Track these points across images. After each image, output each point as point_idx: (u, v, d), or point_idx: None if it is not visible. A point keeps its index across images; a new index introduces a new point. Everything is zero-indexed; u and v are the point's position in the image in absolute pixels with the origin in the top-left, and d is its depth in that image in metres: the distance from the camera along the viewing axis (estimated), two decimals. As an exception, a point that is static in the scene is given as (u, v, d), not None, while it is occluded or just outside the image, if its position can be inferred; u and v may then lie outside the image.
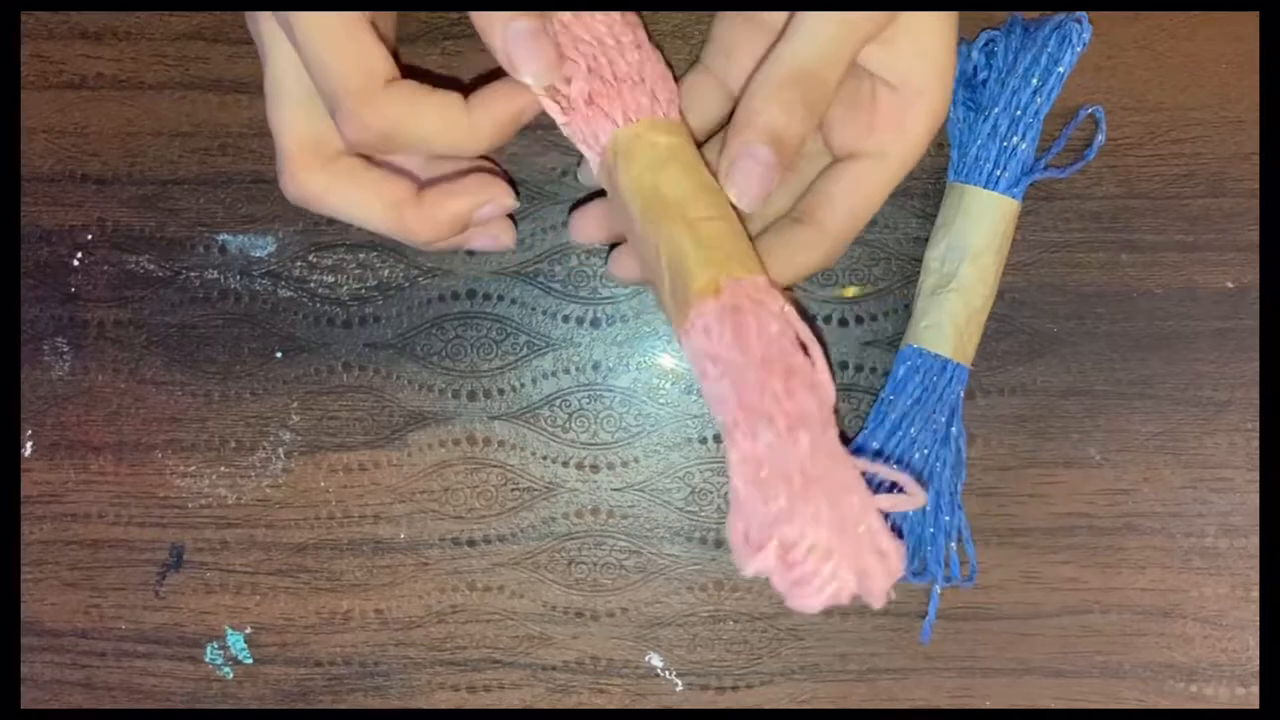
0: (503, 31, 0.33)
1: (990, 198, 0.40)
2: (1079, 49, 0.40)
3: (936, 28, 0.35)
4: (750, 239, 0.34)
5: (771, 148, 0.33)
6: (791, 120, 0.33)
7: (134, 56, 0.43)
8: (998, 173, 0.40)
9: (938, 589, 0.42)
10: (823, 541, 0.29)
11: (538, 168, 0.43)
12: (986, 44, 0.41)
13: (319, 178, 0.35)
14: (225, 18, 0.43)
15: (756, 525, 0.29)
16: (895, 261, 0.43)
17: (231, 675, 0.43)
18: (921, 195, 0.43)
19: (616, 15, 0.35)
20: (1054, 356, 0.43)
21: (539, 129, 0.43)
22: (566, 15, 0.34)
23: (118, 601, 0.43)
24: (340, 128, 0.33)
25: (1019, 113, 0.40)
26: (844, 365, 0.43)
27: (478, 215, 0.36)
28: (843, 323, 0.43)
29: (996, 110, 0.40)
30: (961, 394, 0.41)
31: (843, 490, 0.30)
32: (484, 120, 0.34)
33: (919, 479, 0.41)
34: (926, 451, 0.41)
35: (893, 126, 0.35)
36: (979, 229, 0.40)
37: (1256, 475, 0.42)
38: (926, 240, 0.42)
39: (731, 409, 0.30)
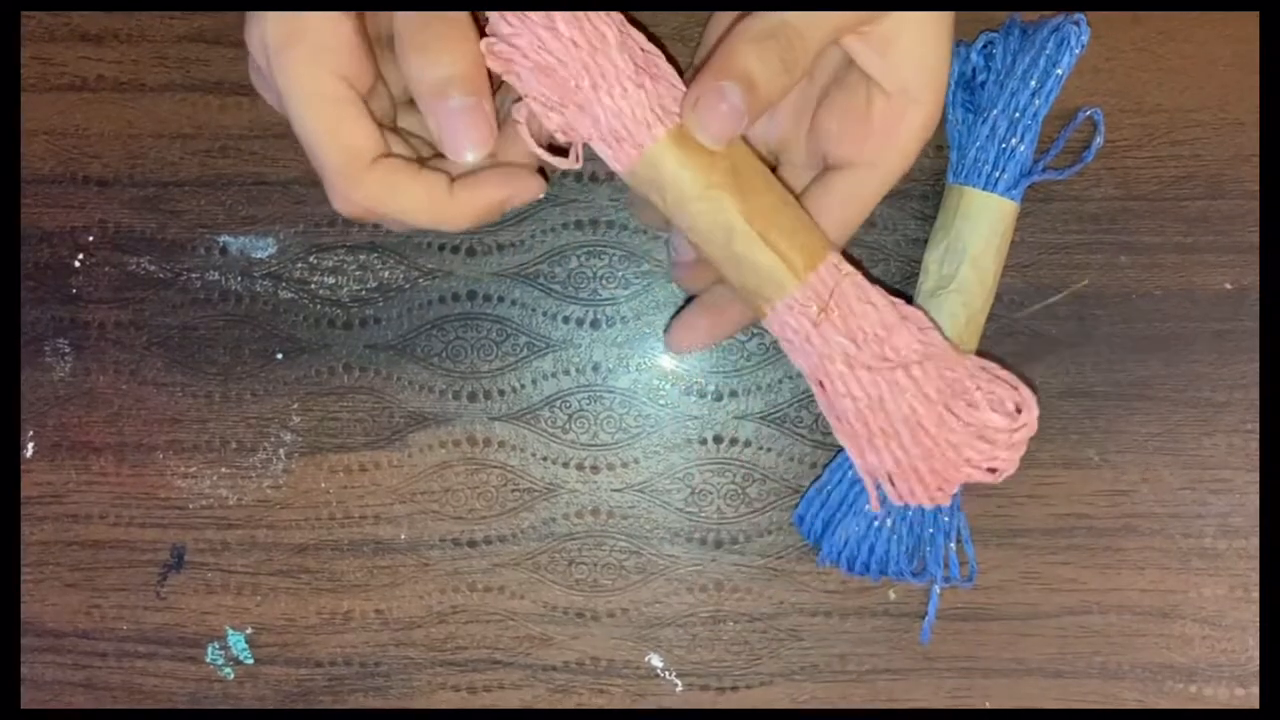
0: (437, 106, 0.33)
1: (989, 199, 0.40)
2: (1077, 51, 0.40)
3: (934, 33, 0.35)
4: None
5: (743, 92, 0.33)
6: (766, 69, 0.33)
7: (135, 59, 0.44)
8: (996, 174, 0.40)
9: (937, 589, 0.42)
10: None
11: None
12: (985, 46, 0.41)
13: (367, 189, 0.33)
14: (226, 20, 0.43)
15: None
16: (895, 262, 0.43)
17: (232, 675, 0.43)
18: (920, 197, 0.43)
19: (587, 24, 0.34)
20: (1053, 358, 0.43)
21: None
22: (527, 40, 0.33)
23: (119, 602, 0.44)
24: (329, 197, 0.34)
25: (1017, 115, 0.40)
26: (843, 366, 0.43)
27: (509, 207, 0.36)
28: (842, 324, 0.43)
29: (995, 112, 0.40)
30: None
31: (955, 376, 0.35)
32: (466, 203, 0.34)
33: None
34: None
35: (887, 135, 0.35)
36: (978, 231, 0.40)
37: (1255, 476, 0.42)
38: (926, 242, 0.42)
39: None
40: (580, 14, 0.33)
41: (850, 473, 0.41)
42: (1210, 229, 0.43)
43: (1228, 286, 0.43)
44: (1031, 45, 0.40)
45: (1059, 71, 0.40)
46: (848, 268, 0.35)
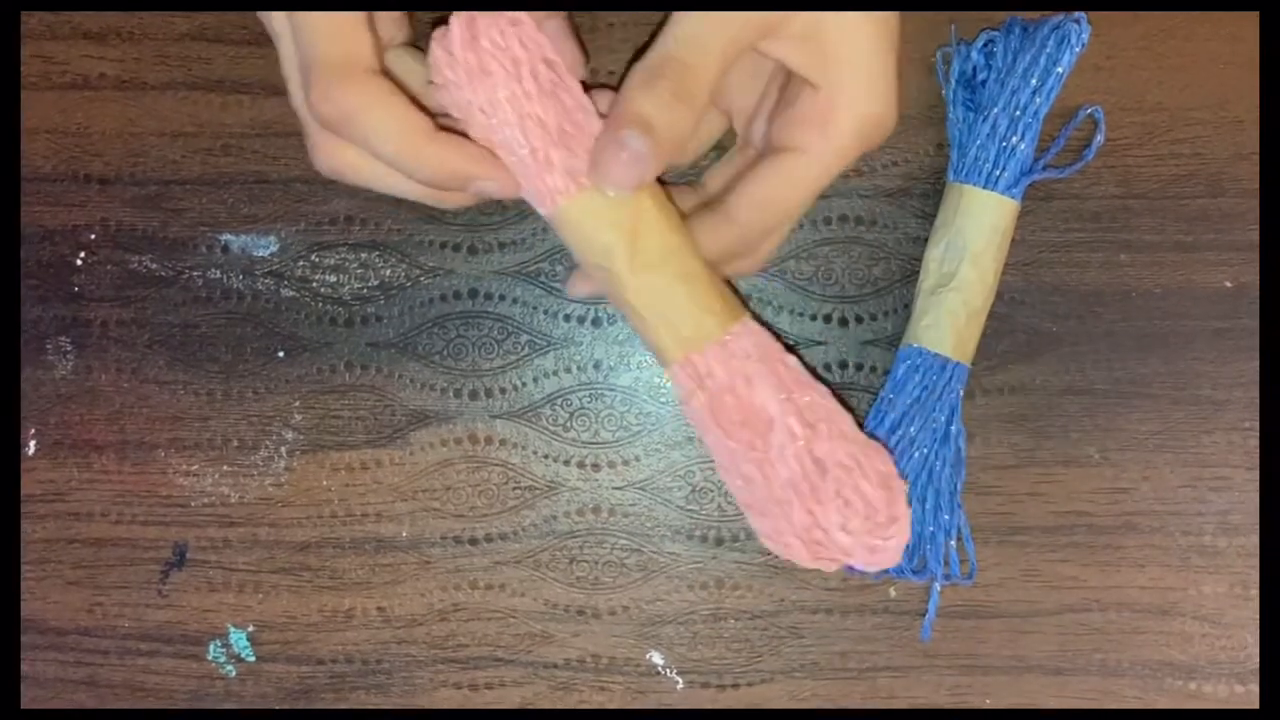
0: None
1: (990, 198, 0.40)
2: (1078, 49, 0.40)
3: (865, 31, 0.34)
4: (729, 287, 0.36)
5: (641, 136, 0.33)
6: (659, 109, 0.33)
7: (137, 57, 0.44)
8: (997, 173, 0.40)
9: (937, 587, 0.42)
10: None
11: (539, 168, 0.43)
12: (986, 44, 0.41)
13: (353, 94, 0.32)
14: (228, 18, 0.43)
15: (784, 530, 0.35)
16: (895, 261, 0.43)
17: (234, 673, 0.44)
18: (921, 195, 0.43)
19: (539, 51, 0.35)
20: (1053, 356, 0.43)
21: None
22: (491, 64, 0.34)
23: (121, 600, 0.44)
24: (306, 96, 0.33)
25: (1018, 113, 0.40)
26: (844, 364, 0.43)
27: (475, 187, 0.35)
28: (843, 322, 0.43)
29: (996, 110, 0.40)
30: (961, 393, 0.41)
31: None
32: (435, 156, 0.33)
33: (919, 478, 0.41)
34: (926, 450, 0.41)
35: (814, 125, 0.35)
36: (978, 229, 0.40)
37: (1255, 474, 0.42)
38: (926, 240, 0.42)
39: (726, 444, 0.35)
40: (505, 73, 0.34)
41: None
42: (1210, 227, 0.43)
43: (1228, 284, 0.43)
44: (1032, 44, 0.40)
45: (1059, 70, 0.40)
46: (743, 350, 0.35)
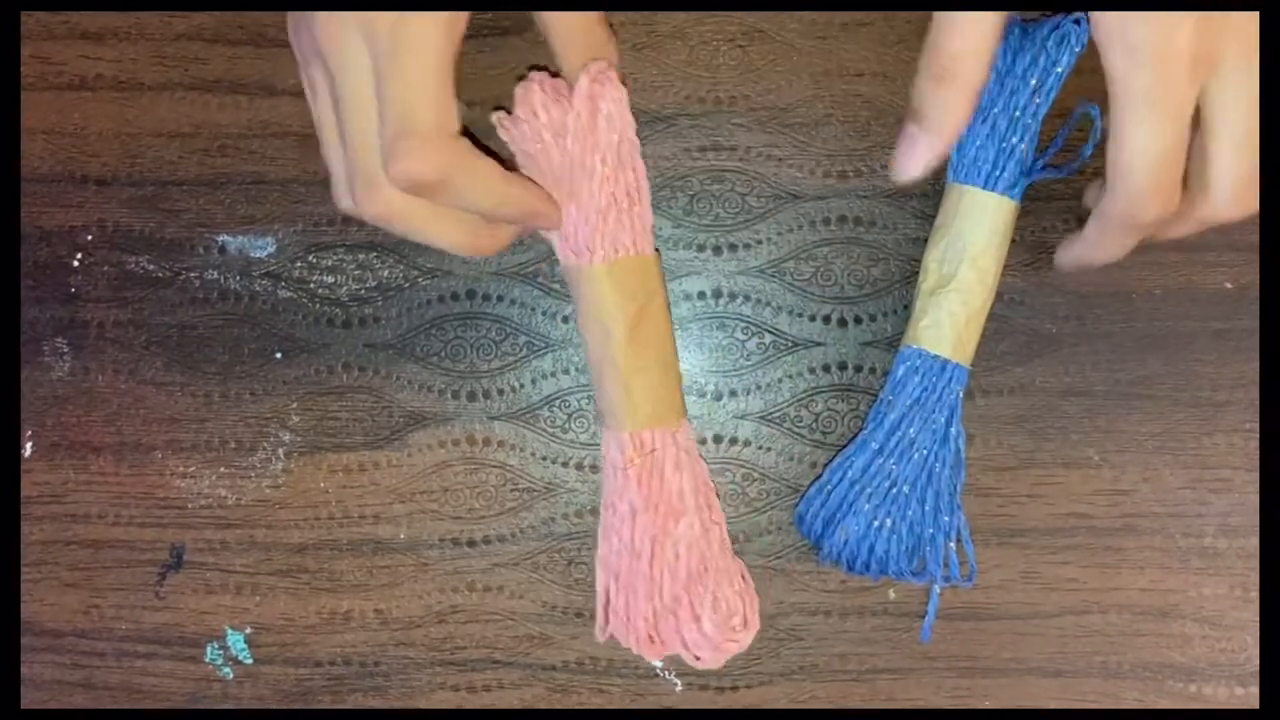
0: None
1: (989, 198, 0.40)
2: (1077, 49, 0.40)
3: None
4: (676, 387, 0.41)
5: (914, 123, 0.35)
6: (922, 99, 0.35)
7: (134, 57, 0.43)
8: (996, 173, 0.40)
9: (937, 589, 0.42)
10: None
11: (537, 168, 0.43)
12: None
13: (450, 154, 0.34)
14: (225, 19, 0.43)
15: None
16: (894, 262, 0.43)
17: (231, 675, 0.43)
18: (920, 196, 0.43)
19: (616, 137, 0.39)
20: (1053, 357, 0.43)
21: (538, 130, 0.43)
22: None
23: (118, 602, 0.44)
24: (397, 158, 0.33)
25: (1017, 114, 0.40)
26: (843, 366, 0.43)
27: (539, 222, 0.39)
28: (842, 323, 0.43)
29: (995, 111, 0.40)
30: (960, 394, 0.41)
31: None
32: (519, 195, 0.37)
33: (918, 479, 0.41)
34: (926, 451, 0.41)
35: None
36: (978, 230, 0.40)
37: (1255, 476, 0.42)
38: (925, 241, 0.42)
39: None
40: (594, 137, 0.38)
41: (850, 472, 0.41)
42: (1211, 228, 0.43)
43: (1228, 285, 0.43)
44: (1031, 44, 0.40)
45: (1059, 70, 0.40)
46: (685, 445, 0.40)
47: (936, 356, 0.40)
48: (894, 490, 0.41)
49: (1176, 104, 0.33)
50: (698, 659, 0.40)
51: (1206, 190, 0.35)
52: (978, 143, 0.40)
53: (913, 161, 0.35)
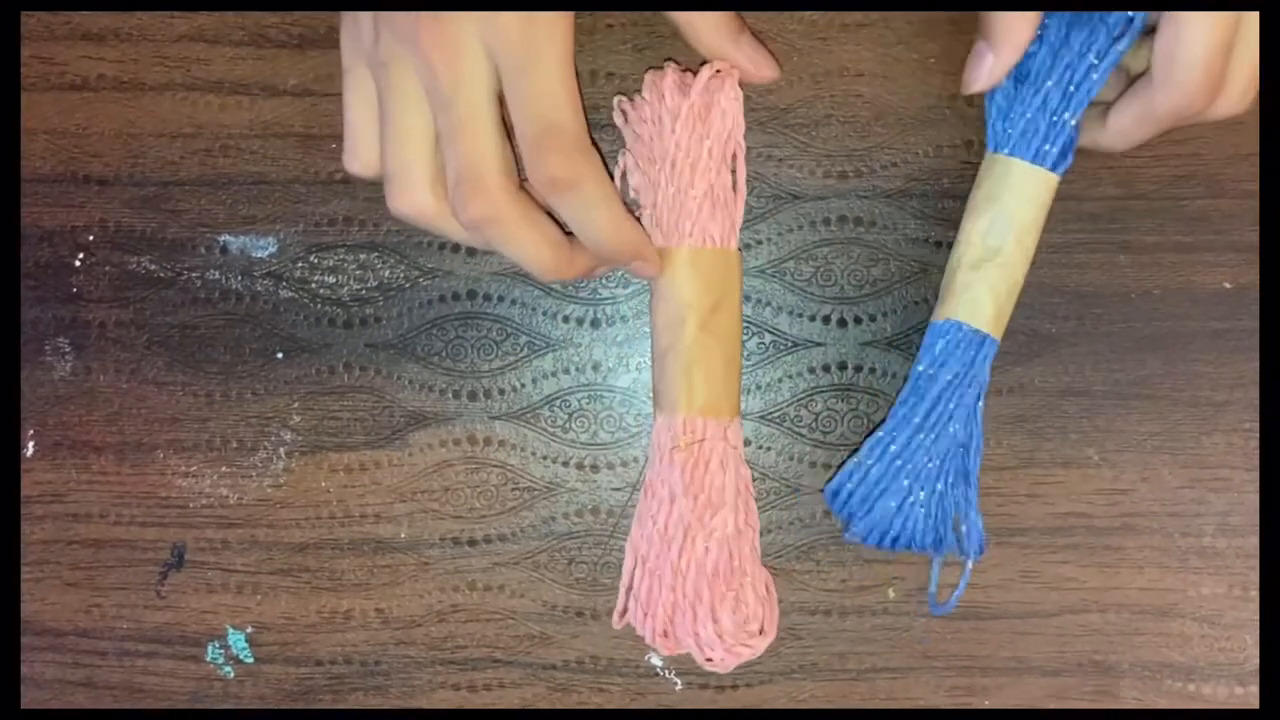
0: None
1: (1037, 173, 0.39)
2: (1139, 28, 0.39)
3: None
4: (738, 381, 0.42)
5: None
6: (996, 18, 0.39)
7: (136, 58, 0.44)
8: (1046, 147, 0.39)
9: (969, 564, 0.41)
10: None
11: (538, 169, 0.43)
12: None
13: (588, 161, 0.36)
14: (227, 19, 0.43)
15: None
16: (894, 262, 0.43)
17: (233, 674, 0.43)
18: (920, 196, 0.43)
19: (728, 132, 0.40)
20: (1052, 357, 0.43)
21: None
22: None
23: (119, 601, 0.44)
24: (465, 199, 0.35)
25: (1072, 89, 0.39)
26: (843, 366, 0.43)
27: (637, 266, 0.40)
28: (842, 323, 0.43)
29: (1049, 84, 0.39)
30: (989, 369, 0.40)
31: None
32: (580, 258, 0.39)
33: (949, 454, 0.40)
34: (958, 427, 0.40)
35: None
36: (1025, 204, 0.39)
37: (1254, 475, 0.42)
38: (925, 240, 0.42)
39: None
40: (705, 128, 0.40)
41: (894, 446, 0.40)
42: (1210, 228, 0.43)
43: (1227, 286, 0.43)
44: (1090, 18, 0.39)
45: (1119, 48, 0.38)
46: (735, 442, 0.41)
47: (976, 330, 0.40)
48: (930, 465, 0.40)
49: None
50: (709, 659, 0.40)
51: (1225, 87, 0.37)
52: (1027, 115, 0.39)
53: (981, 76, 0.39)
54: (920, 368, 0.41)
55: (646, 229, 0.41)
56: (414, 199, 0.37)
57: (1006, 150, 0.40)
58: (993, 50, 0.38)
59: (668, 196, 0.40)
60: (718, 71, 0.40)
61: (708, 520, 0.39)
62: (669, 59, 0.42)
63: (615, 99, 0.42)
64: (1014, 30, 0.38)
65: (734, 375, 0.41)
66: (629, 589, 0.41)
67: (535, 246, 0.37)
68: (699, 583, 0.39)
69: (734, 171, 0.41)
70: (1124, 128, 0.39)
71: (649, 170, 0.41)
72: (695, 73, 0.40)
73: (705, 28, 0.40)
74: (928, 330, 0.41)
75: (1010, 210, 0.40)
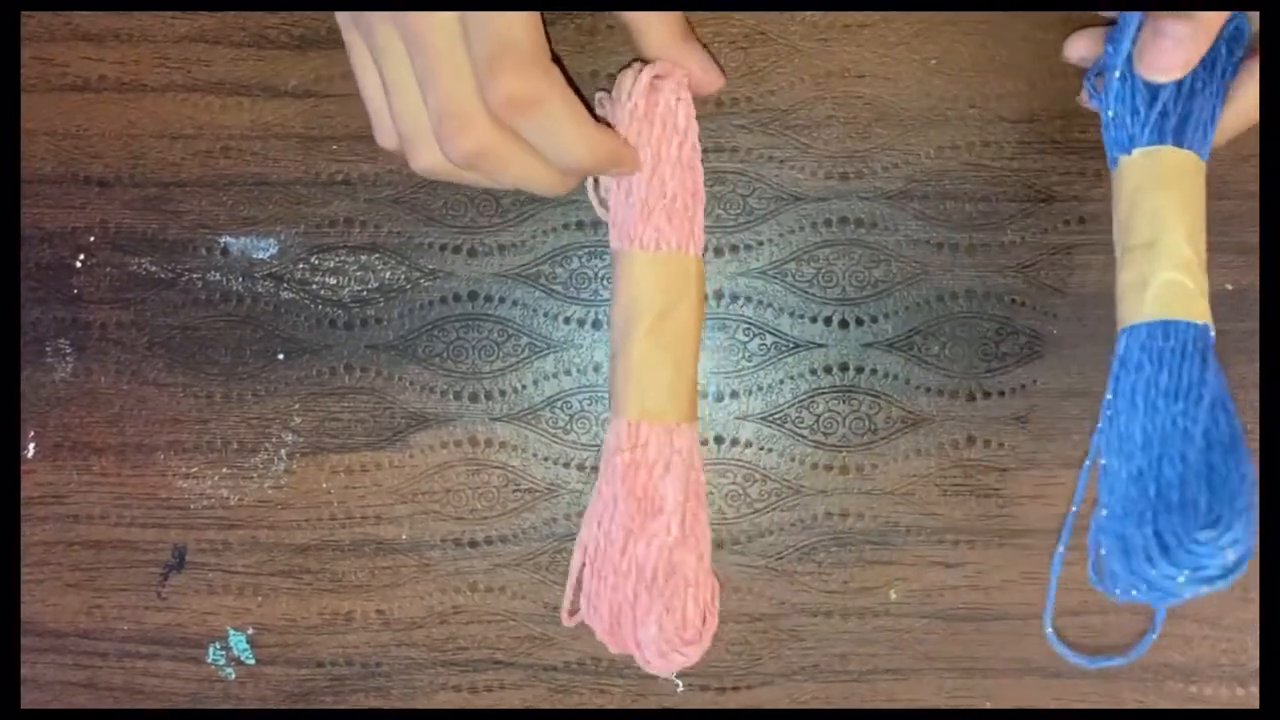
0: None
1: (1192, 159, 0.38)
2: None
3: None
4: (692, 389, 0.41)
5: (1185, 22, 0.36)
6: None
7: (136, 59, 0.44)
8: (1200, 135, 0.39)
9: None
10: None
11: (539, 170, 0.43)
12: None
13: (546, 78, 0.35)
14: (228, 20, 0.43)
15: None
16: (896, 263, 0.43)
17: (234, 676, 0.43)
18: (922, 197, 0.43)
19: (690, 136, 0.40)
20: (1054, 358, 0.43)
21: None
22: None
23: (120, 602, 0.44)
24: (451, 137, 0.35)
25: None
26: (845, 367, 0.43)
27: (617, 170, 0.39)
28: (843, 325, 0.43)
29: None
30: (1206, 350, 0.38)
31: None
32: (604, 137, 0.37)
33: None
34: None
35: None
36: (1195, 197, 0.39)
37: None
38: (926, 242, 0.42)
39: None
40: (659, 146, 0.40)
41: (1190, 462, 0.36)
42: (1211, 229, 0.42)
43: (1228, 287, 0.43)
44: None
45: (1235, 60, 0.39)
46: (682, 447, 0.40)
47: (1206, 325, 0.38)
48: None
49: None
50: (647, 662, 0.40)
51: None
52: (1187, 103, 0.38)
53: (1179, 61, 0.37)
54: (1183, 378, 0.37)
55: (611, 233, 0.41)
56: (428, 155, 0.37)
57: (1169, 140, 0.38)
58: (1195, 33, 0.36)
59: (622, 199, 0.40)
60: (657, 76, 0.39)
61: (648, 525, 0.39)
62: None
63: (597, 95, 0.41)
64: (1216, 15, 0.36)
65: (683, 383, 0.40)
66: (577, 589, 0.41)
67: (530, 169, 0.36)
68: (636, 586, 0.39)
69: (692, 172, 0.40)
70: (1182, 33, 0.37)
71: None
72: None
73: (656, 28, 0.39)
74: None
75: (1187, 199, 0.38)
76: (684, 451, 0.40)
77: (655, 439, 0.40)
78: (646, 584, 0.39)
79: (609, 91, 0.41)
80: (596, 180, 0.41)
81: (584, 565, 0.41)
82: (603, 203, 0.41)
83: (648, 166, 0.39)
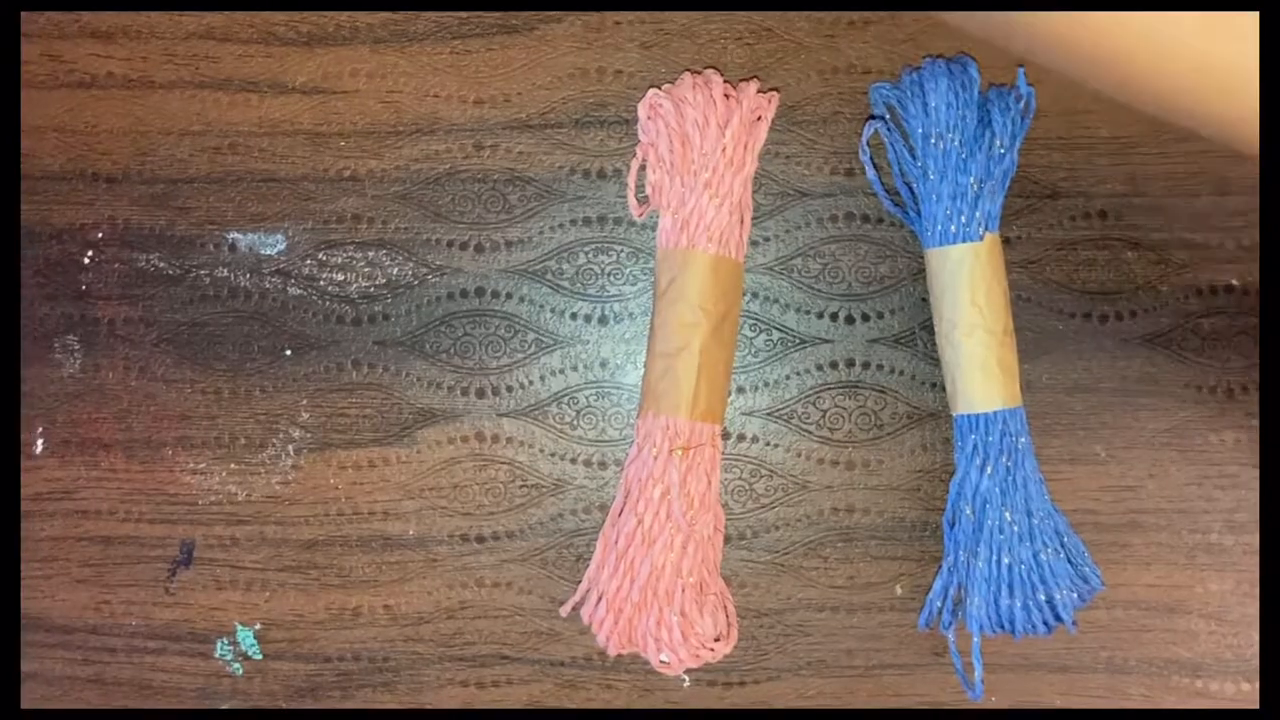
0: None
1: (968, 248, 0.40)
2: (1024, 110, 0.41)
3: None
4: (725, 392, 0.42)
5: None
6: None
7: (144, 56, 0.44)
8: (974, 225, 0.40)
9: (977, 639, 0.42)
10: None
11: (545, 166, 0.43)
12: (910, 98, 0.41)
13: None
14: (236, 17, 0.43)
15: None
16: (902, 259, 0.43)
17: (241, 671, 0.44)
18: (927, 193, 0.43)
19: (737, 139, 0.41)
20: (1059, 353, 0.43)
21: (547, 128, 0.43)
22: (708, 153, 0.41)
23: (128, 598, 0.44)
24: None
25: (985, 178, 0.41)
26: (850, 363, 0.43)
27: None
28: (849, 320, 0.43)
29: (969, 179, 0.40)
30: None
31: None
32: None
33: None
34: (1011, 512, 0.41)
35: None
36: (980, 277, 0.41)
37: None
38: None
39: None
40: (737, 137, 0.41)
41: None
42: (1216, 225, 0.43)
43: (1234, 283, 0.43)
44: (988, 106, 0.41)
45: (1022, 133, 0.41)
46: (716, 450, 0.41)
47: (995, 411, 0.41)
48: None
49: None
50: (664, 662, 0.40)
51: None
52: (945, 204, 0.41)
53: None
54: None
55: (669, 229, 0.41)
56: None
57: (937, 242, 0.41)
58: None
59: (700, 201, 0.40)
60: (761, 90, 0.41)
61: (695, 520, 0.40)
62: (709, 65, 0.43)
63: (649, 91, 0.42)
64: None
65: (726, 387, 0.42)
66: (592, 583, 0.41)
67: None
68: (672, 582, 0.40)
69: (749, 188, 0.42)
70: None
71: (677, 171, 0.41)
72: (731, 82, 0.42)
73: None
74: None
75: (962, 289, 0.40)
76: (716, 460, 0.41)
77: (709, 439, 0.41)
78: (685, 578, 0.40)
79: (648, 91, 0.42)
80: (639, 179, 0.42)
81: (605, 560, 0.41)
82: (642, 200, 0.42)
83: (746, 172, 0.41)
